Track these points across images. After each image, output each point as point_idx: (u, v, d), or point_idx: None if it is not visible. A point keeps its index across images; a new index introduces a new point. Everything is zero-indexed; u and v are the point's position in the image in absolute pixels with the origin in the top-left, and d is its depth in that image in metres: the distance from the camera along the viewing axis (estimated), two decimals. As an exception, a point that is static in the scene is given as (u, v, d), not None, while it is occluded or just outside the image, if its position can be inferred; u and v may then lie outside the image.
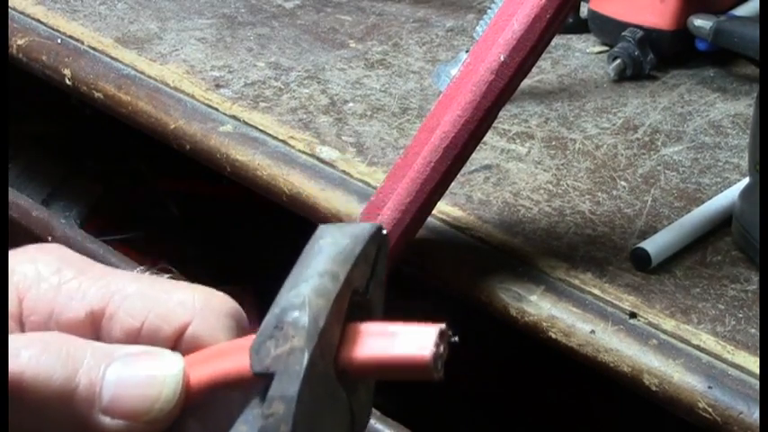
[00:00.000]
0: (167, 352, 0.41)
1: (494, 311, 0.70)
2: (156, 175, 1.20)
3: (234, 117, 0.85)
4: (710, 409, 0.63)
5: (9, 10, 0.98)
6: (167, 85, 0.89)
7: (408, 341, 0.41)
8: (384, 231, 0.44)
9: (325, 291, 0.41)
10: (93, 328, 0.42)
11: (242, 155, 0.82)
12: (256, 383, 0.40)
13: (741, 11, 0.96)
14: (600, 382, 0.69)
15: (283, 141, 0.83)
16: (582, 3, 0.99)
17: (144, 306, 0.42)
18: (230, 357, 0.42)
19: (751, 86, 0.92)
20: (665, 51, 0.94)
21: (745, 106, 0.89)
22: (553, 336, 0.68)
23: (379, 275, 0.44)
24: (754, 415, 0.62)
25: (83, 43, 0.95)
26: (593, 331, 0.67)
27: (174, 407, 0.41)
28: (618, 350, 0.66)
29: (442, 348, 0.41)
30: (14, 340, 0.40)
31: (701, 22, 0.91)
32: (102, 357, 0.40)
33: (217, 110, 0.86)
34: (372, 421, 0.68)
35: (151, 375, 0.40)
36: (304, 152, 0.82)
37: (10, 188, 0.89)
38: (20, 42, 0.95)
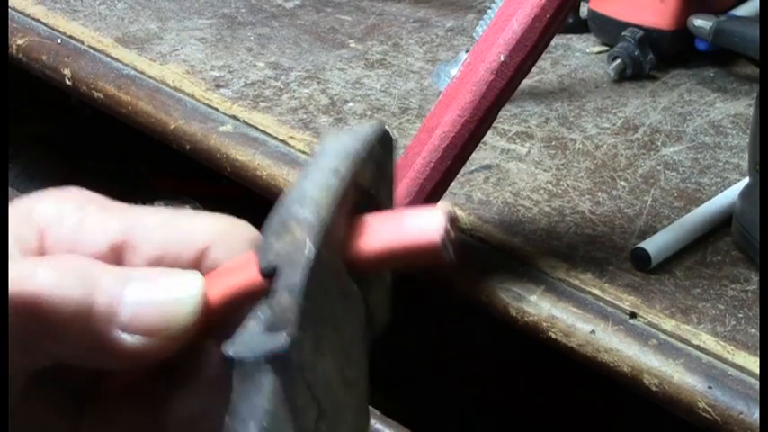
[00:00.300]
0: (186, 271, 0.41)
1: (494, 311, 0.70)
2: (156, 175, 1.20)
3: (234, 117, 0.85)
4: (710, 409, 0.63)
5: (9, 10, 0.98)
6: (167, 85, 0.89)
7: (416, 224, 0.41)
8: (390, 132, 0.44)
9: (328, 186, 0.41)
10: (117, 260, 0.42)
11: (242, 155, 0.82)
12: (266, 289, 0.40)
13: (741, 11, 0.96)
14: (600, 382, 0.69)
15: (283, 141, 0.83)
16: (582, 3, 0.99)
17: (165, 234, 0.42)
18: (242, 271, 0.42)
19: (751, 86, 0.92)
20: (665, 51, 0.94)
21: (745, 106, 0.89)
22: (553, 336, 0.68)
23: (386, 175, 0.44)
24: (754, 415, 0.62)
25: (83, 43, 0.95)
26: (593, 331, 0.67)
27: (193, 324, 0.41)
28: (618, 350, 0.66)
29: (452, 231, 0.41)
30: (31, 262, 0.40)
31: (701, 22, 0.91)
32: (121, 277, 0.40)
33: (217, 110, 0.86)
34: (372, 421, 0.68)
35: (170, 293, 0.40)
36: (304, 152, 0.82)
37: (10, 188, 0.89)
38: (20, 42, 0.95)
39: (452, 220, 0.41)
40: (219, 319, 0.42)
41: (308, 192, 0.41)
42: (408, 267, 0.42)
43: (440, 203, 0.41)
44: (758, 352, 0.64)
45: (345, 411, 0.41)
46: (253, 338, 0.39)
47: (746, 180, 0.75)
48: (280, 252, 0.40)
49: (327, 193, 0.41)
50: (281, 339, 0.38)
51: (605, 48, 0.97)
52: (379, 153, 0.43)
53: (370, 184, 0.43)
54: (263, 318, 0.39)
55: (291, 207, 0.40)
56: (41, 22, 0.97)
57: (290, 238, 0.40)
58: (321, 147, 0.43)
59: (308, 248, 0.39)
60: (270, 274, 0.40)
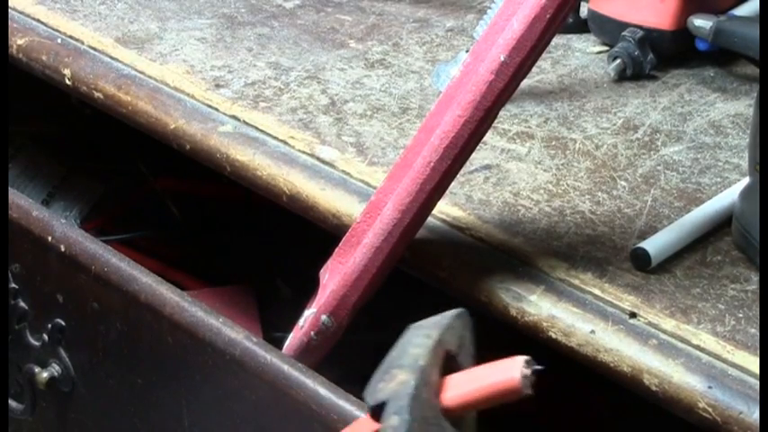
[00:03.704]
0: None
1: (494, 311, 0.70)
2: (156, 175, 1.20)
3: (234, 117, 0.85)
4: (710, 409, 0.63)
5: (9, 10, 0.98)
6: (167, 84, 0.89)
7: (498, 372, 0.51)
8: (468, 314, 0.56)
9: (422, 344, 0.52)
10: None
11: (242, 155, 0.82)
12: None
13: (741, 11, 0.96)
14: (600, 382, 0.69)
15: (283, 141, 0.83)
16: (582, 3, 0.99)
17: None
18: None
19: (751, 86, 0.92)
20: (665, 51, 0.94)
21: (745, 106, 0.89)
22: (553, 336, 0.68)
23: (467, 346, 0.55)
24: (753, 415, 0.62)
25: (83, 43, 0.95)
26: (593, 331, 0.67)
27: None
28: (618, 350, 0.66)
29: (529, 372, 0.50)
30: None
31: (701, 22, 0.91)
32: None
33: (217, 110, 0.86)
34: (372, 421, 0.68)
35: None
36: (304, 152, 0.82)
37: (10, 188, 0.89)
38: (20, 42, 0.95)
39: (529, 363, 0.51)
40: None
41: (407, 349, 0.52)
42: (493, 406, 0.52)
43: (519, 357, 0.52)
44: (758, 352, 0.64)
45: None
46: None
47: (746, 180, 0.75)
48: (387, 391, 0.50)
49: (422, 349, 0.52)
50: None
51: (605, 48, 0.97)
52: (461, 328, 0.55)
53: (455, 351, 0.54)
54: None
55: (394, 360, 0.51)
56: (41, 22, 0.97)
57: (395, 380, 0.50)
58: (412, 325, 0.54)
59: (412, 384, 0.49)
60: (379, 409, 0.49)
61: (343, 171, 0.80)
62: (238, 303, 1.06)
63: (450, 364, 0.53)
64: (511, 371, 0.50)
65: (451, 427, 0.51)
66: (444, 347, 0.53)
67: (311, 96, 0.89)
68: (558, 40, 0.97)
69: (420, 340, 0.52)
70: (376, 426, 0.50)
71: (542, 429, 1.00)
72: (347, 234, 0.73)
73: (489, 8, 0.86)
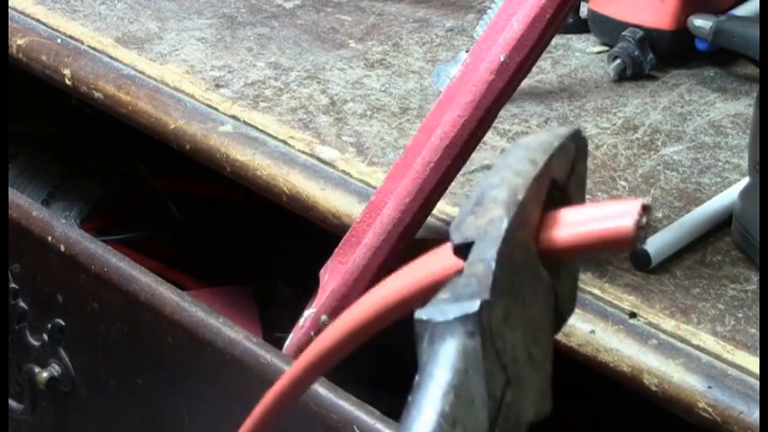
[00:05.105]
0: None
1: (494, 311, 0.70)
2: (156, 175, 1.20)
3: (234, 117, 0.85)
4: (710, 409, 0.63)
5: (9, 10, 0.98)
6: (167, 85, 0.89)
7: (609, 214, 0.42)
8: (583, 135, 0.45)
9: (524, 172, 0.43)
10: None
11: (242, 155, 0.82)
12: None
13: (741, 11, 0.96)
14: (600, 382, 0.69)
15: (283, 141, 0.83)
16: (582, 3, 0.99)
17: None
18: (439, 258, 0.44)
19: (751, 86, 0.92)
20: (665, 51, 0.94)
21: (745, 106, 0.89)
22: (553, 336, 0.68)
23: (578, 173, 0.46)
24: (753, 415, 0.62)
25: (83, 43, 0.95)
26: (593, 331, 0.67)
27: None
28: (618, 350, 0.66)
29: (644, 220, 0.42)
30: None
31: (701, 22, 0.91)
32: None
33: (217, 110, 0.86)
34: (372, 421, 0.68)
35: None
36: (304, 152, 0.82)
37: (10, 188, 0.89)
38: (20, 42, 0.95)
39: (646, 209, 0.42)
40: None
41: (505, 176, 0.42)
42: (599, 255, 0.43)
43: (635, 199, 0.43)
44: (758, 352, 0.64)
45: (530, 389, 0.43)
46: (444, 304, 0.40)
47: (746, 180, 0.75)
48: (476, 228, 0.41)
49: (523, 178, 0.42)
50: (473, 304, 0.39)
51: (605, 48, 0.97)
52: (573, 152, 0.45)
53: (563, 180, 0.45)
54: (456, 287, 0.40)
55: (488, 190, 0.42)
56: (41, 22, 0.97)
57: (486, 216, 0.41)
58: (517, 141, 0.45)
59: (505, 224, 0.41)
60: (465, 249, 0.41)
61: (343, 171, 0.80)
62: (238, 303, 1.06)
63: (555, 195, 0.44)
64: (624, 217, 0.42)
65: (548, 276, 0.43)
66: (551, 176, 0.44)
67: (311, 96, 0.89)
68: (558, 40, 0.97)
69: (523, 167, 0.43)
70: (459, 264, 0.42)
71: (542, 429, 1.00)
72: (347, 234, 0.73)
73: (489, 8, 0.86)
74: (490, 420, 0.40)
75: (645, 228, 0.42)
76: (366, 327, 0.47)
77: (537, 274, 0.43)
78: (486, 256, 0.40)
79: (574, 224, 0.43)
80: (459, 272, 0.41)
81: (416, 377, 0.40)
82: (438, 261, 0.44)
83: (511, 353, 0.41)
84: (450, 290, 0.41)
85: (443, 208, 0.75)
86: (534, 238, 0.43)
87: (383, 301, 0.46)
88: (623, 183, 0.80)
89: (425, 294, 0.43)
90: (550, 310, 0.44)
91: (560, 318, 0.45)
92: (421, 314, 0.40)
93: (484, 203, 0.42)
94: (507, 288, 0.41)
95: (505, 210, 0.41)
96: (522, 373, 0.42)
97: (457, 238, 0.42)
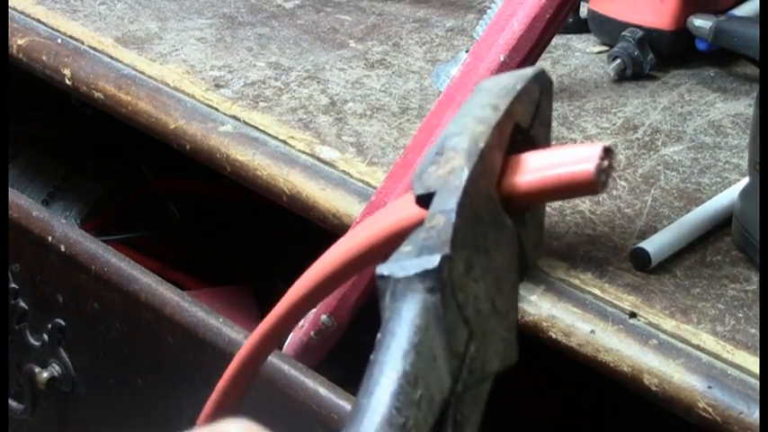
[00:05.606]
0: None
1: (494, 311, 0.70)
2: (156, 175, 1.20)
3: (234, 117, 0.85)
4: (710, 409, 0.63)
5: (9, 10, 0.98)
6: (167, 85, 0.89)
7: (571, 159, 0.42)
8: (548, 75, 0.45)
9: (486, 118, 0.42)
10: None
11: (242, 155, 0.82)
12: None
13: (741, 11, 0.96)
14: (600, 382, 0.69)
15: (283, 141, 0.83)
16: (582, 3, 0.99)
17: None
18: (401, 208, 0.44)
19: (751, 86, 0.92)
20: (665, 51, 0.94)
21: (745, 106, 0.89)
22: (553, 336, 0.68)
23: (543, 114, 0.45)
24: (753, 415, 0.62)
25: (83, 43, 0.95)
26: (593, 331, 0.67)
27: None
28: (618, 350, 0.66)
29: (606, 163, 0.41)
30: None
31: (701, 22, 0.91)
32: None
33: (217, 110, 0.86)
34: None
35: None
36: (304, 152, 0.82)
37: (10, 188, 0.89)
38: (20, 42, 0.95)
39: (608, 152, 0.42)
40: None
41: (466, 124, 0.42)
42: (562, 199, 0.42)
43: (597, 143, 0.42)
44: (758, 352, 0.64)
45: (495, 340, 0.42)
46: (406, 259, 0.40)
47: (746, 180, 0.75)
48: (437, 178, 0.41)
49: (485, 125, 0.42)
50: (433, 258, 0.39)
51: (605, 48, 0.97)
52: (537, 94, 0.44)
53: (527, 123, 0.44)
54: (417, 240, 0.40)
55: (449, 138, 0.42)
56: (41, 22, 0.97)
57: (448, 166, 0.41)
58: (480, 85, 0.44)
59: (465, 173, 0.40)
60: (426, 199, 0.41)
61: (343, 171, 0.80)
62: (238, 303, 1.06)
63: (519, 138, 0.43)
64: (586, 161, 0.41)
65: (512, 223, 0.42)
66: (514, 121, 0.43)
67: (311, 96, 0.89)
68: (558, 40, 0.97)
69: (485, 113, 0.42)
70: (423, 213, 0.41)
71: (542, 429, 1.00)
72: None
73: (489, 8, 0.86)
74: (453, 376, 0.39)
75: (607, 171, 0.41)
76: (332, 279, 0.47)
77: (500, 223, 0.42)
78: (446, 207, 0.40)
79: (536, 169, 0.42)
80: (422, 222, 0.41)
81: (378, 335, 0.39)
82: (401, 211, 0.43)
83: (473, 305, 0.40)
84: (412, 242, 0.40)
85: (443, 208, 0.75)
86: (497, 184, 0.42)
87: (347, 254, 0.46)
88: (623, 183, 0.80)
89: (390, 245, 0.43)
90: (515, 258, 0.43)
91: (525, 264, 0.45)
92: (382, 269, 0.40)
93: (445, 152, 0.41)
94: (469, 239, 0.40)
95: (466, 159, 0.41)
96: (485, 325, 0.41)
97: (419, 188, 0.41)
